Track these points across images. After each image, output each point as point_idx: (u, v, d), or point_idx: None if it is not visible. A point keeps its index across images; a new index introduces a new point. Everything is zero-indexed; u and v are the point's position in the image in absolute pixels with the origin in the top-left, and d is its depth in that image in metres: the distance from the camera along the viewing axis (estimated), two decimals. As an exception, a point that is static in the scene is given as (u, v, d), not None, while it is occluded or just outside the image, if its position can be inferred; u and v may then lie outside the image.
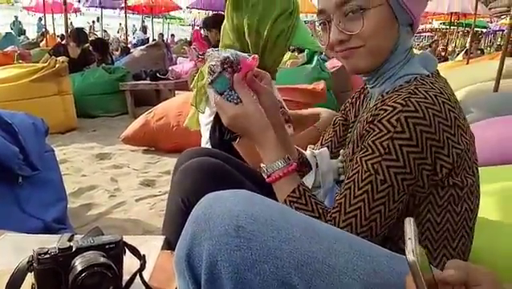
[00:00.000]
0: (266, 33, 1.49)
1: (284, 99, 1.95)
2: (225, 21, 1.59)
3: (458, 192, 0.78)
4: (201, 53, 5.19)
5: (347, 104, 1.07)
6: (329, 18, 0.83)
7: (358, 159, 0.78)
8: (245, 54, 0.87)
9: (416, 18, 0.84)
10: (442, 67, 8.18)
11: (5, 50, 6.34)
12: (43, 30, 13.71)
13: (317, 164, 1.04)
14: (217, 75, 0.85)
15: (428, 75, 0.82)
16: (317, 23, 0.88)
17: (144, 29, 17.96)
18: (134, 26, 18.68)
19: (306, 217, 0.69)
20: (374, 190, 0.75)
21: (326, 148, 1.06)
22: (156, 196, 2.39)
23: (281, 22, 1.50)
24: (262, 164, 0.87)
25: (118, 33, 17.72)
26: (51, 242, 0.92)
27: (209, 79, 0.86)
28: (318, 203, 0.81)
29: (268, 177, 0.85)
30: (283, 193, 0.83)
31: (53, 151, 1.89)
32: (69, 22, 5.88)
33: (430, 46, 11.33)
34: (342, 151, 1.02)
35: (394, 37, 0.83)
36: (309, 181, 1.04)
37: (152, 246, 1.01)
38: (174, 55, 9.01)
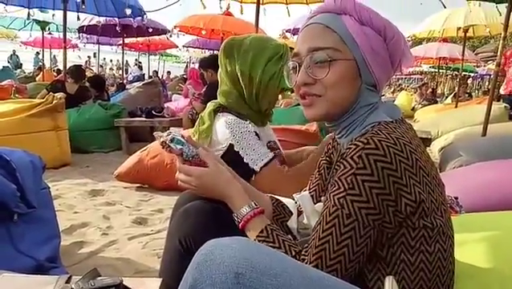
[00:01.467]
0: (258, 77, 1.56)
1: (278, 140, 2.01)
2: (220, 68, 1.66)
3: (429, 232, 0.82)
4: (196, 92, 5.31)
5: (330, 147, 1.13)
6: (301, 62, 0.92)
7: (328, 195, 0.83)
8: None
9: (379, 82, 0.92)
10: (432, 109, 8.40)
11: (2, 83, 6.39)
12: (40, 64, 13.89)
13: (298, 207, 1.11)
14: (172, 137, 1.00)
15: (391, 121, 0.88)
16: (290, 65, 0.96)
17: (139, 67, 18.29)
18: (127, 61, 19.05)
19: (301, 264, 0.72)
20: (340, 224, 0.79)
21: (306, 192, 1.14)
22: (148, 234, 2.38)
23: (272, 66, 1.57)
24: (233, 214, 0.97)
25: (111, 70, 17.94)
26: (49, 283, 0.93)
27: (167, 141, 1.01)
28: (286, 240, 0.89)
29: (239, 223, 0.95)
30: (253, 234, 0.91)
31: (49, 188, 1.89)
32: (71, 58, 5.99)
33: (420, 88, 11.63)
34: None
35: (355, 92, 0.90)
36: (293, 224, 1.10)
37: (149, 288, 1.02)
38: (169, 92, 9.15)
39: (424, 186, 0.81)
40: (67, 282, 0.91)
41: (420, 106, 10.23)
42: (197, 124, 1.65)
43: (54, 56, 17.08)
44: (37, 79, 10.74)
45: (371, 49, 0.88)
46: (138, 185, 3.42)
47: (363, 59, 0.88)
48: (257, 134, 1.57)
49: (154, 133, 1.06)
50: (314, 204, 1.10)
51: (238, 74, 1.57)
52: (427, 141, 4.47)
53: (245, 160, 1.48)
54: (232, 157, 1.43)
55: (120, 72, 13.93)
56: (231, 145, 1.51)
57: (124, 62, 12.08)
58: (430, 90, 11.77)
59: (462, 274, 1.04)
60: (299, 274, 0.65)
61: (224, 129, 1.54)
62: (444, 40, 10.80)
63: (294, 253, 0.85)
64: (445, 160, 3.37)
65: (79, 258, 2.03)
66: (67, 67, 5.64)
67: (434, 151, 4.60)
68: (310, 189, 1.16)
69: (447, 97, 12.40)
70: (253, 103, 1.62)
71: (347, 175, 0.79)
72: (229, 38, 1.65)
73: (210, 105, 1.66)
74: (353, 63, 0.88)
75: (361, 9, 0.89)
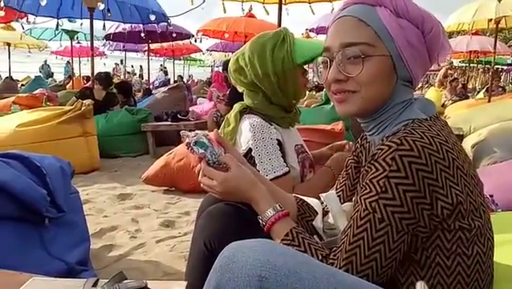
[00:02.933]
0: (271, 71, 1.53)
1: (303, 140, 1.98)
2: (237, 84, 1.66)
3: (466, 234, 0.78)
4: (220, 94, 5.33)
5: (358, 146, 1.09)
6: (332, 57, 0.87)
7: (358, 198, 0.80)
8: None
9: (415, 78, 0.87)
10: (464, 105, 8.15)
11: (34, 92, 6.59)
12: (70, 72, 14.28)
13: (324, 207, 1.08)
14: (196, 138, 0.99)
15: (426, 119, 0.84)
16: (320, 60, 0.92)
17: (165, 73, 18.58)
18: (140, 66, 19.38)
19: (328, 267, 0.69)
20: (372, 229, 0.76)
21: (333, 191, 1.11)
22: (175, 237, 2.40)
23: (278, 52, 1.55)
24: (258, 217, 0.95)
25: (137, 76, 18.22)
26: (77, 287, 0.94)
27: (192, 142, 0.99)
28: (312, 243, 0.86)
29: (264, 226, 0.93)
30: (278, 238, 0.89)
31: (78, 193, 1.93)
32: (97, 65, 6.13)
33: (450, 83, 11.30)
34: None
35: (390, 89, 0.86)
36: (319, 223, 1.07)
37: (174, 291, 1.01)
38: (194, 96, 9.23)
39: (462, 187, 0.77)
40: (94, 285, 0.91)
41: (450, 102, 9.95)
42: (222, 125, 1.64)
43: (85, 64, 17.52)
44: (67, 87, 11.05)
45: (408, 43, 0.83)
46: (165, 188, 3.46)
47: (399, 53, 0.83)
48: (280, 143, 1.53)
49: (181, 132, 1.04)
50: (341, 204, 1.07)
51: (255, 81, 1.56)
52: (459, 138, 4.32)
53: (257, 167, 1.46)
54: (249, 161, 1.40)
55: (146, 78, 14.16)
56: (250, 149, 1.49)
57: (149, 67, 12.27)
58: (461, 85, 11.43)
59: (500, 276, 0.98)
60: (326, 278, 0.63)
61: (247, 132, 1.52)
62: (475, 33, 10.47)
63: (320, 257, 0.82)
64: (479, 157, 3.26)
65: (109, 262, 2.06)
66: (95, 74, 5.76)
67: (467, 148, 4.46)
68: (337, 189, 1.13)
69: (479, 92, 12.01)
70: (280, 99, 1.59)
71: (380, 178, 0.76)
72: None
73: (237, 106, 1.65)
74: (388, 59, 0.84)
75: (397, 0, 0.85)
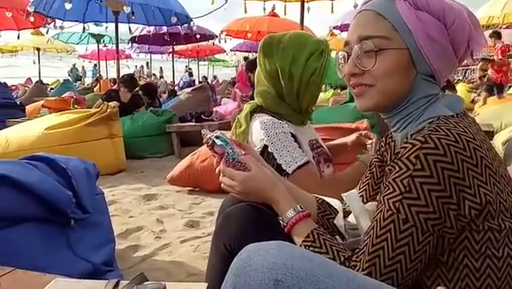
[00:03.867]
0: (298, 75, 1.51)
1: (326, 139, 1.95)
2: (258, 67, 1.63)
3: (496, 235, 0.74)
4: (244, 94, 5.34)
5: (382, 145, 1.06)
6: (350, 51, 0.87)
7: (381, 198, 0.77)
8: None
9: (437, 72, 0.83)
10: (494, 100, 7.89)
11: (62, 96, 6.76)
12: (97, 75, 14.62)
13: (346, 207, 1.06)
14: (218, 135, 0.99)
15: (452, 115, 0.80)
16: (340, 54, 0.91)
17: (190, 74, 18.78)
18: (160, 68, 19.55)
19: (348, 270, 0.67)
20: (396, 230, 0.73)
21: (354, 190, 1.08)
22: (199, 237, 2.40)
23: (312, 62, 1.52)
24: (279, 218, 0.94)
25: (160, 78, 18.39)
26: (98, 288, 0.94)
27: (212, 137, 0.99)
28: (334, 245, 0.83)
29: (284, 227, 0.91)
30: (299, 239, 0.87)
31: (103, 194, 1.96)
32: (120, 67, 6.24)
33: (480, 79, 10.97)
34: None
35: (408, 83, 0.83)
36: (340, 221, 1.05)
37: (194, 293, 1.01)
38: (218, 96, 9.29)
39: (491, 186, 0.73)
40: (115, 286, 0.92)
41: (480, 98, 9.65)
42: (233, 126, 1.63)
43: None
44: (95, 89, 11.31)
45: (427, 36, 0.80)
46: (190, 188, 3.48)
47: (418, 47, 0.81)
48: (293, 135, 1.52)
49: (202, 130, 1.04)
50: (364, 204, 1.05)
51: (278, 71, 1.53)
52: (489, 134, 4.21)
53: (278, 162, 1.44)
54: (266, 159, 1.38)
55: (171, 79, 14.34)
56: (265, 146, 1.47)
57: (174, 69, 12.42)
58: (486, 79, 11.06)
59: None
60: (345, 282, 0.61)
61: (258, 130, 1.50)
62: (507, 27, 10.11)
63: (343, 259, 0.80)
64: (510, 154, 3.14)
65: (134, 262, 2.08)
66: (120, 77, 5.87)
67: (497, 144, 4.32)
68: (360, 189, 1.11)
69: (510, 87, 11.62)
70: (293, 102, 1.57)
71: (404, 177, 0.73)
72: (267, 37, 1.60)
73: (247, 107, 1.63)
74: (405, 52, 0.81)
75: None
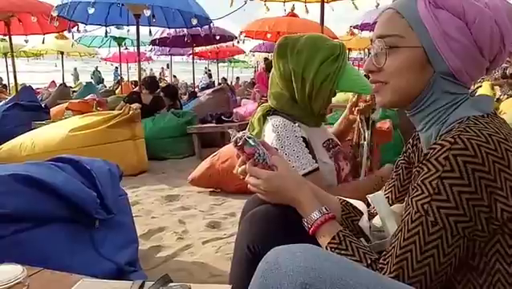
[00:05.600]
0: (310, 79, 1.49)
1: (349, 140, 1.92)
2: (273, 69, 1.61)
3: None
4: (264, 94, 5.33)
5: (409, 146, 1.04)
6: (371, 49, 0.89)
7: (409, 200, 0.76)
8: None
9: (457, 71, 0.81)
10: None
11: (85, 98, 6.88)
12: (119, 78, 14.84)
13: (371, 209, 1.04)
14: (249, 135, 0.99)
15: (482, 116, 0.78)
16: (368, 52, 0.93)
17: (209, 75, 18.89)
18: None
19: (376, 274, 0.66)
20: (425, 232, 0.71)
21: (380, 192, 1.07)
22: (221, 238, 2.41)
23: (326, 67, 1.49)
24: (303, 220, 0.93)
25: (174, 77, 18.43)
26: (124, 289, 0.95)
27: (245, 137, 0.98)
28: (360, 247, 0.82)
29: (309, 229, 0.90)
30: (324, 241, 0.86)
31: (126, 195, 1.98)
32: (142, 70, 6.31)
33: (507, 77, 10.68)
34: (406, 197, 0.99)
35: (423, 82, 0.82)
36: (365, 223, 1.04)
37: (219, 294, 1.01)
38: (238, 97, 9.31)
39: None
40: (141, 287, 0.92)
41: (505, 96, 9.41)
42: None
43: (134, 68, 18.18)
44: (116, 92, 11.47)
45: (445, 34, 0.79)
46: (211, 189, 3.50)
47: (434, 45, 0.79)
48: (305, 140, 1.49)
49: (229, 130, 1.04)
50: (390, 206, 1.02)
51: (292, 74, 1.52)
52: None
53: None
54: None
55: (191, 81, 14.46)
56: (275, 149, 1.45)
57: (194, 71, 12.53)
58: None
59: None
60: (373, 285, 0.59)
61: (270, 133, 1.48)
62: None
63: (369, 261, 0.78)
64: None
65: (157, 262, 2.09)
66: (142, 79, 5.93)
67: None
68: (385, 190, 1.09)
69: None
70: (305, 105, 1.54)
71: (432, 178, 0.72)
72: (282, 38, 1.58)
73: (260, 109, 1.61)
74: (418, 51, 0.81)
75: None
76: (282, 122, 1.49)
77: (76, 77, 17.59)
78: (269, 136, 1.49)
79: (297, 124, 1.51)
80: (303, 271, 0.59)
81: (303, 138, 1.49)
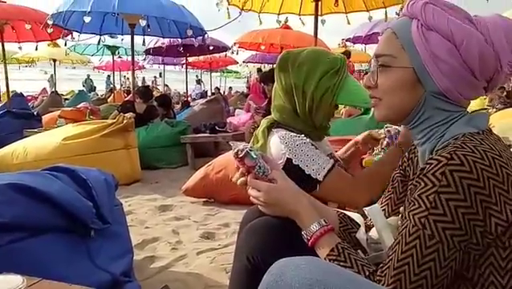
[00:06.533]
0: (310, 92, 1.51)
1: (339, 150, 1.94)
2: (275, 82, 1.63)
3: None
4: (257, 106, 5.36)
5: (405, 160, 1.07)
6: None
7: (406, 213, 0.78)
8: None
9: (447, 91, 0.83)
10: (510, 113, 7.75)
11: (78, 106, 6.86)
12: (111, 86, 14.80)
13: (367, 221, 1.05)
14: (250, 147, 1.00)
15: (478, 132, 0.80)
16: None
17: (198, 82, 18.99)
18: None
19: (376, 285, 0.67)
20: (422, 245, 0.73)
21: (376, 205, 1.09)
22: (215, 249, 2.40)
23: (326, 80, 1.51)
24: (302, 232, 0.94)
25: (166, 86, 18.38)
26: (124, 300, 0.95)
27: (247, 149, 0.99)
28: (358, 259, 0.84)
29: (308, 240, 0.91)
30: (323, 253, 0.87)
31: (121, 205, 1.98)
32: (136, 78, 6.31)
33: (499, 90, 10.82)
34: (401, 208, 1.01)
35: (414, 100, 0.87)
36: (362, 235, 1.05)
37: (218, 306, 1.01)
38: (231, 107, 9.34)
39: None
40: (141, 299, 0.92)
41: (494, 110, 9.53)
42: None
43: (125, 76, 18.14)
44: (109, 100, 11.44)
45: (434, 56, 0.82)
46: (205, 199, 3.49)
47: (424, 66, 0.83)
48: (313, 144, 1.51)
49: (230, 142, 1.05)
50: (386, 218, 1.04)
51: (293, 87, 1.54)
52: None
53: (306, 172, 1.43)
54: (292, 172, 1.37)
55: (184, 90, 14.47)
56: (289, 160, 1.45)
57: (187, 80, 12.55)
58: (505, 93, 10.93)
59: None
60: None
61: (278, 144, 1.49)
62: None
63: (367, 273, 0.80)
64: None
65: (151, 273, 2.08)
66: (136, 88, 5.93)
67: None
68: (382, 203, 1.11)
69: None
70: (307, 119, 1.56)
71: (429, 193, 0.74)
72: (285, 52, 1.60)
73: (264, 122, 1.62)
74: (409, 71, 0.85)
75: (427, 12, 0.83)
76: (288, 133, 1.51)
77: (53, 84, 17.41)
78: (277, 147, 1.50)
79: (302, 135, 1.52)
80: (308, 283, 0.60)
81: (311, 143, 1.50)
